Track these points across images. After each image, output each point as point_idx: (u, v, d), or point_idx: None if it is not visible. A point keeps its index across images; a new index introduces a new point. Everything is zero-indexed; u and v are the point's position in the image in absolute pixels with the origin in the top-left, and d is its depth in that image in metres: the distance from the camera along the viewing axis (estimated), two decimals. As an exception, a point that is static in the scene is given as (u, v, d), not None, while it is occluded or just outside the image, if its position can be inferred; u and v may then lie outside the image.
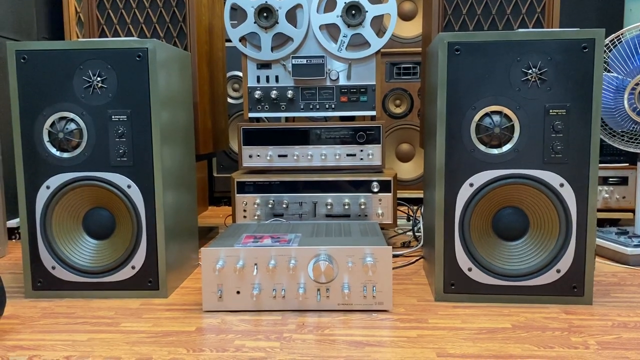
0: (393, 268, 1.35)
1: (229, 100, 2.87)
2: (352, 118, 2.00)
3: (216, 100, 2.17)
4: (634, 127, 1.84)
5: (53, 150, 1.42)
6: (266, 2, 1.87)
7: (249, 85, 1.94)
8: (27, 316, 1.32)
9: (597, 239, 1.66)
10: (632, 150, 1.90)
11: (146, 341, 1.16)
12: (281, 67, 1.92)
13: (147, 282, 1.43)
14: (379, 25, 1.88)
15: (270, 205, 1.88)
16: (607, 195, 2.21)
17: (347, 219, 1.87)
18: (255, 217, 1.89)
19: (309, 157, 1.91)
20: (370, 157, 1.90)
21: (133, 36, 1.89)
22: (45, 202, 1.42)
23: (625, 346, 1.12)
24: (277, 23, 1.88)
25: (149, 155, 1.41)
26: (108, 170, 1.41)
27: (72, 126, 1.41)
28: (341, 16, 1.86)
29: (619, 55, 1.80)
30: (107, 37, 1.90)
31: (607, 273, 1.64)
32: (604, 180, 2.21)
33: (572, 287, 1.34)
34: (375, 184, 1.86)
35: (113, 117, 1.40)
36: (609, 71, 1.84)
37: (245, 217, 1.90)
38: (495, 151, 1.34)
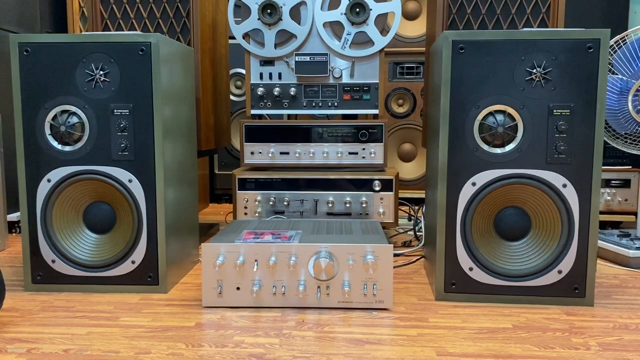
0: (394, 267, 1.34)
1: (232, 97, 2.87)
2: (354, 116, 1.99)
3: (219, 97, 2.16)
4: (637, 129, 1.83)
5: (54, 144, 1.41)
6: (270, -2, 1.86)
7: (251, 82, 1.94)
8: (26, 309, 1.32)
9: (599, 241, 1.65)
10: (635, 152, 1.90)
11: (145, 336, 1.16)
12: (284, 64, 1.91)
13: (147, 277, 1.43)
14: (383, 23, 1.87)
15: (271, 203, 1.87)
16: (609, 198, 2.20)
17: (349, 217, 1.87)
18: (257, 214, 1.88)
19: (311, 155, 1.90)
20: (373, 155, 1.89)
21: (136, 31, 1.88)
22: (46, 196, 1.42)
23: (626, 348, 1.11)
24: (281, 20, 1.88)
25: (151, 150, 1.40)
26: (109, 164, 1.41)
27: (74, 119, 1.40)
28: (345, 14, 1.85)
29: (624, 56, 1.80)
30: (110, 31, 1.90)
31: (608, 275, 1.63)
32: (607, 183, 2.20)
33: (574, 288, 1.34)
34: (377, 182, 1.85)
35: (115, 111, 1.39)
36: (613, 73, 1.84)
37: (246, 214, 1.89)
38: (498, 150, 1.34)
